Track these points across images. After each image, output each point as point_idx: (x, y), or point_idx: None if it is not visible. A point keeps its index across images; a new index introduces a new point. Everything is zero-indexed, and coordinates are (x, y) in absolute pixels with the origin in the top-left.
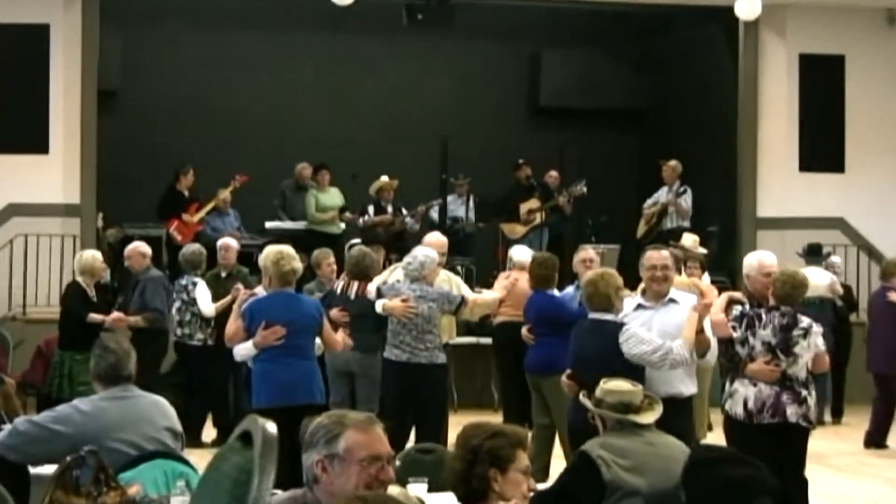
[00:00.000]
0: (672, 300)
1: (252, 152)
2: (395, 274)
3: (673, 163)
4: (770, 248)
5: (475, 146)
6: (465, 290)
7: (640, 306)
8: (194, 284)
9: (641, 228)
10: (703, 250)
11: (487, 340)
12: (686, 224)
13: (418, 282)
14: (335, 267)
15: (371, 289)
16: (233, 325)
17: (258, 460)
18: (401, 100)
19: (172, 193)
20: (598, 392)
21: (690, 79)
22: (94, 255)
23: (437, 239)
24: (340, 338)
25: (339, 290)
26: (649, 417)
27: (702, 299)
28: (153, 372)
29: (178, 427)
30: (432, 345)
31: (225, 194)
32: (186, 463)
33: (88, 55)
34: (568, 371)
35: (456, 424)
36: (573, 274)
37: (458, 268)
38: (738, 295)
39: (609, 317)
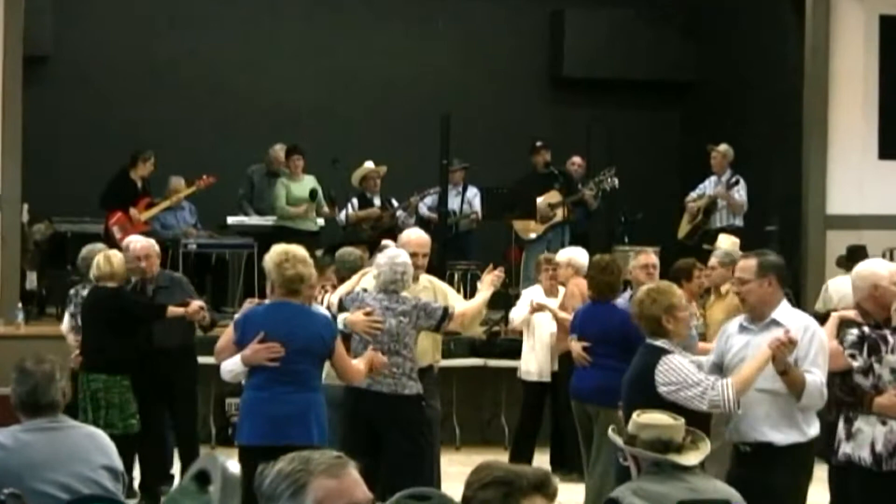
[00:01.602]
0: (775, 322)
1: (213, 132)
2: (365, 280)
3: (723, 147)
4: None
5: (482, 125)
6: (454, 299)
7: (742, 327)
8: None
9: (684, 227)
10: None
11: (497, 363)
12: (738, 222)
13: (389, 291)
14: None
15: (333, 300)
16: (224, 337)
17: None
18: (392, 68)
19: (123, 181)
20: (631, 426)
21: (746, 46)
22: (121, 257)
23: (416, 237)
24: (365, 364)
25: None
26: (692, 458)
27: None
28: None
29: (119, 465)
30: (400, 370)
31: (185, 193)
32: None
33: (12, 13)
34: (620, 402)
35: (458, 464)
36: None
37: (455, 274)
38: (850, 314)
39: (659, 342)
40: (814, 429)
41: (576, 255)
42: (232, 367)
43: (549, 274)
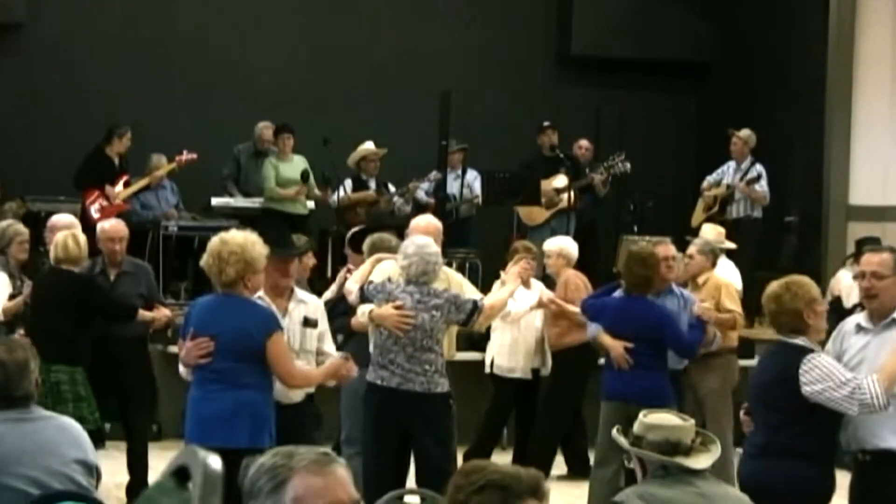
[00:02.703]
0: (895, 321)
1: (198, 108)
2: (381, 269)
3: (745, 133)
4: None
5: (485, 105)
6: (472, 292)
7: (859, 327)
8: None
9: (698, 215)
10: (730, 245)
11: None
12: (757, 213)
13: (415, 283)
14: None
15: (352, 287)
16: None
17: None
18: (390, 43)
19: (99, 158)
20: (637, 427)
21: (767, 27)
22: (85, 239)
23: (428, 223)
24: (328, 372)
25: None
26: (702, 461)
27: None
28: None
29: (93, 459)
30: (432, 367)
31: (164, 171)
32: None
33: None
34: (746, 405)
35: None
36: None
37: (453, 263)
38: None
39: (798, 341)
40: None
41: (567, 245)
42: (182, 367)
43: (525, 263)
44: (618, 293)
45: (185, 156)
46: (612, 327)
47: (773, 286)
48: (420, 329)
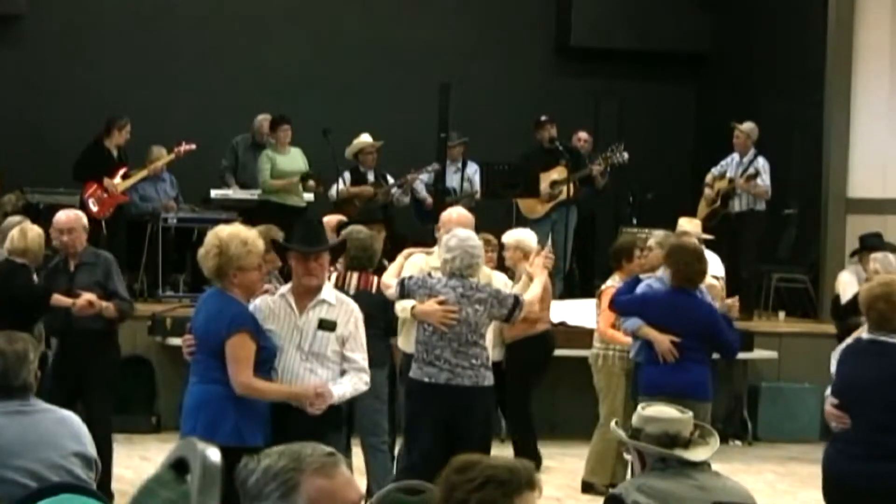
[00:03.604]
0: None
1: (197, 99)
2: (411, 263)
3: (747, 126)
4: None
5: (484, 97)
6: (500, 285)
7: None
8: None
9: (702, 209)
10: (707, 236)
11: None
12: (760, 207)
13: (458, 276)
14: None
15: (390, 282)
16: None
17: (196, 496)
18: (389, 35)
19: (97, 150)
20: (635, 419)
21: (767, 18)
22: (39, 232)
23: (461, 215)
24: (295, 394)
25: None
26: (701, 454)
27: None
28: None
29: (92, 452)
30: (478, 361)
31: (163, 162)
32: (101, 499)
33: None
34: (833, 399)
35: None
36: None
37: None
38: None
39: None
40: None
41: (524, 237)
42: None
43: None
44: (647, 286)
45: (184, 146)
46: (660, 321)
47: (881, 286)
48: (465, 323)
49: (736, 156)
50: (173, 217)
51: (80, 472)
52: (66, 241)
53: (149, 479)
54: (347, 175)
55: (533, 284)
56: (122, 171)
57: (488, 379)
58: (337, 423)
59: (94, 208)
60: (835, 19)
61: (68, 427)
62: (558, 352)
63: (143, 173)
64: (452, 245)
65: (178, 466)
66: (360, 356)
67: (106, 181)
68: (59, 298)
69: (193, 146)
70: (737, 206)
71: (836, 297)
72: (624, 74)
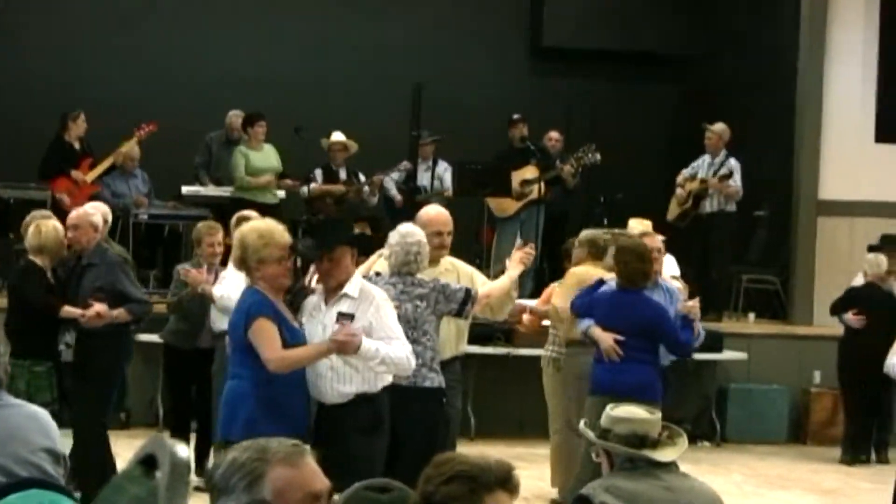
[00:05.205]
0: None
1: (167, 95)
2: (379, 264)
3: (719, 127)
4: (834, 239)
5: (457, 96)
6: (480, 283)
7: None
8: None
9: (673, 209)
10: (660, 237)
11: (522, 352)
12: (731, 208)
13: (398, 273)
14: (221, 248)
15: None
16: None
17: (164, 492)
18: (362, 34)
19: (59, 145)
20: (604, 420)
21: (740, 21)
22: (55, 226)
23: (436, 214)
24: (307, 350)
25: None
26: (669, 454)
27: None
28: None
29: (61, 448)
30: (419, 360)
31: (128, 147)
32: (69, 495)
33: None
34: None
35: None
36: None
37: None
38: None
39: None
40: None
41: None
42: None
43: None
44: (607, 287)
45: (145, 128)
46: (605, 320)
47: None
48: (403, 320)
49: (707, 157)
50: (144, 213)
51: (49, 467)
52: (72, 237)
53: (118, 474)
54: (319, 172)
55: (501, 277)
56: (88, 162)
57: (430, 380)
58: (366, 427)
59: (66, 201)
60: (807, 21)
61: (38, 422)
62: (525, 351)
63: (109, 161)
64: (392, 242)
65: (147, 462)
66: (394, 336)
67: (74, 173)
68: (68, 310)
69: (153, 127)
70: (708, 207)
71: None
72: (596, 75)
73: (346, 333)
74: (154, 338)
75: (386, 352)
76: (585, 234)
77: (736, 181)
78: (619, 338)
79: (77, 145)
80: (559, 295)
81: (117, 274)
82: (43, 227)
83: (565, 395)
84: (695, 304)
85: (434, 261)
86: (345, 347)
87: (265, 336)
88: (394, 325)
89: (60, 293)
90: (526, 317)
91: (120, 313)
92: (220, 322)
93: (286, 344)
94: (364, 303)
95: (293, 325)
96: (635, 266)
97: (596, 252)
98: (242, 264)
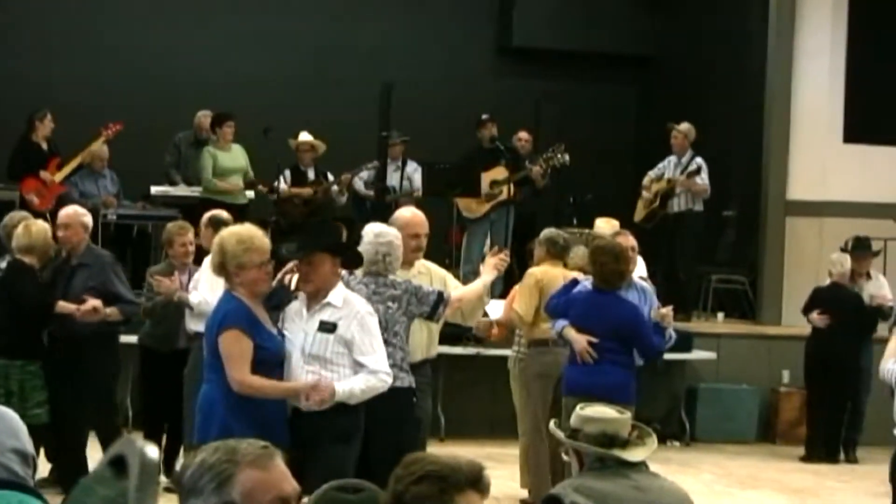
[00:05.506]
0: None
1: (135, 95)
2: None
3: (685, 127)
4: (803, 239)
5: (426, 96)
6: (453, 286)
7: None
8: None
9: (640, 211)
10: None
11: (491, 352)
12: (698, 207)
13: (371, 274)
14: (192, 247)
15: None
16: None
17: (134, 493)
18: (332, 33)
19: (26, 145)
20: (574, 420)
21: (708, 21)
22: (44, 227)
23: (412, 216)
24: (277, 386)
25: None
26: (639, 454)
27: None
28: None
29: (30, 448)
30: (390, 360)
31: (95, 146)
32: (39, 496)
33: None
34: None
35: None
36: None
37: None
38: None
39: None
40: None
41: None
42: None
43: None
44: (582, 287)
45: (112, 127)
46: (580, 321)
47: None
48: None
49: (673, 158)
50: (113, 213)
51: (18, 468)
52: (62, 236)
53: (87, 476)
54: (288, 173)
55: (475, 281)
56: (55, 162)
57: (400, 380)
58: (343, 435)
59: (35, 201)
60: (775, 22)
61: (6, 423)
62: (494, 350)
63: (77, 160)
64: (363, 242)
65: (117, 463)
66: (372, 358)
67: (42, 174)
68: (63, 306)
69: (120, 126)
70: (675, 206)
71: None
72: (565, 76)
73: (320, 390)
74: (127, 339)
75: (360, 386)
76: (545, 233)
77: (703, 179)
78: (594, 340)
79: (44, 145)
80: (520, 297)
81: (109, 274)
82: (33, 227)
83: (529, 396)
84: (668, 311)
85: (408, 263)
86: (319, 403)
87: (234, 350)
88: (375, 341)
89: (47, 302)
90: (494, 331)
91: (112, 312)
92: (194, 324)
93: (262, 352)
94: (347, 316)
95: (271, 331)
96: (612, 267)
97: (555, 251)
98: (221, 269)
